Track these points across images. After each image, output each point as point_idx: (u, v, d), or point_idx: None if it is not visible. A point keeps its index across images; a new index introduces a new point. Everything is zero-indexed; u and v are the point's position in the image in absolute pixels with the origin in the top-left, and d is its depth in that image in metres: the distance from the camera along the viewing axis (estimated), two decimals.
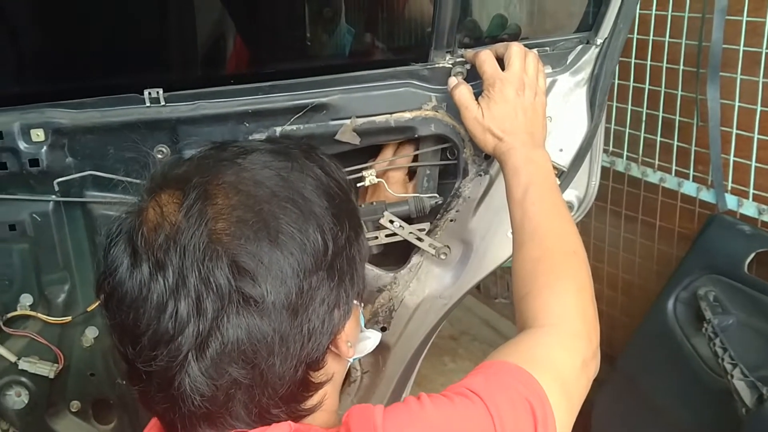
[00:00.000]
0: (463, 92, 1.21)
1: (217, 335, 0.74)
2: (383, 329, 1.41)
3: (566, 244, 1.06)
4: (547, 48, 1.30)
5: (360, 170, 1.31)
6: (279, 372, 0.77)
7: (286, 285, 0.76)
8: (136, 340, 0.77)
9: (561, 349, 0.93)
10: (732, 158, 1.91)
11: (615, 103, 2.19)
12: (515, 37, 1.37)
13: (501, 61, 1.19)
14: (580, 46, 1.30)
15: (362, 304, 0.94)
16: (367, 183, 1.31)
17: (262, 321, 0.75)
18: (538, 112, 1.18)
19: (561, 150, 1.32)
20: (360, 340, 0.95)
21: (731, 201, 1.94)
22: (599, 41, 1.28)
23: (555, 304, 0.98)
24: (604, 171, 2.10)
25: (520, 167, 1.12)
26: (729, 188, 1.94)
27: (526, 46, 1.21)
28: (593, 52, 1.29)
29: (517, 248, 1.08)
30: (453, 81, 1.24)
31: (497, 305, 3.26)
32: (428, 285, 1.40)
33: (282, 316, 0.76)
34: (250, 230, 0.76)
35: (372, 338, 0.98)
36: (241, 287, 0.74)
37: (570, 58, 1.30)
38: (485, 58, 1.19)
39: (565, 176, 1.34)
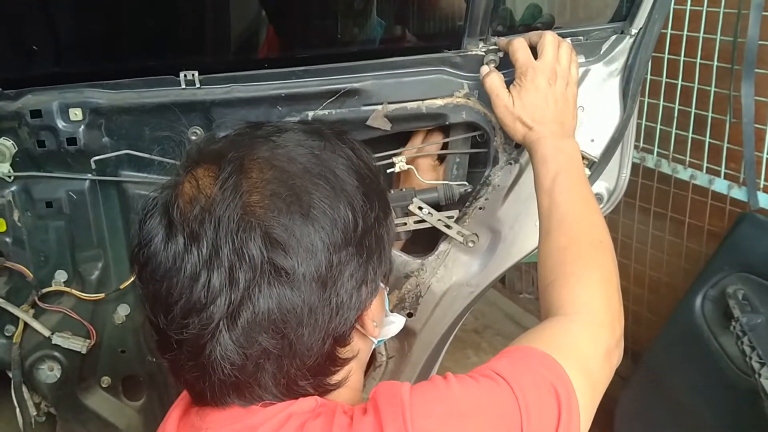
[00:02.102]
0: (494, 80, 1.21)
1: (248, 305, 0.75)
2: (410, 315, 1.42)
3: (593, 233, 1.06)
4: (581, 37, 1.29)
5: (390, 156, 1.32)
6: (307, 343, 0.79)
7: (316, 258, 0.77)
8: (168, 309, 0.78)
9: (586, 337, 0.93)
10: (765, 156, 1.89)
11: (647, 99, 2.17)
12: (549, 26, 1.37)
13: (534, 50, 1.19)
14: (614, 36, 1.29)
15: (387, 288, 0.95)
16: (397, 169, 1.32)
17: (293, 292, 0.76)
18: (569, 102, 1.18)
19: (592, 140, 1.31)
20: (385, 324, 0.97)
21: (763, 199, 1.91)
22: (634, 31, 1.27)
23: (580, 293, 0.99)
24: (634, 167, 2.08)
25: (549, 156, 1.12)
26: (761, 186, 1.91)
27: (559, 35, 1.21)
28: (627, 42, 1.28)
29: (543, 236, 1.08)
30: (485, 69, 1.25)
31: (522, 300, 3.25)
32: (455, 272, 1.41)
33: (311, 288, 0.77)
34: (283, 204, 0.77)
35: (396, 323, 1.00)
36: (273, 258, 0.75)
37: (604, 47, 1.29)
38: (519, 46, 1.19)
39: (595, 167, 1.33)
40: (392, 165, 1.32)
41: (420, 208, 1.35)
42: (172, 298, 0.78)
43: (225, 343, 0.76)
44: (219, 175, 0.79)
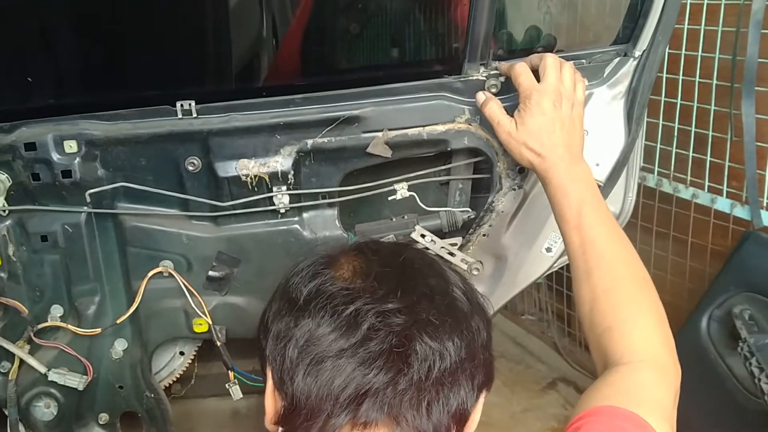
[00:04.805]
0: (493, 108, 1.19)
1: None
2: None
3: (634, 270, 1.06)
4: (584, 60, 1.28)
5: (391, 183, 1.30)
6: None
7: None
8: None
9: (659, 385, 0.93)
10: None
11: (646, 118, 2.16)
12: (550, 48, 1.35)
13: (536, 73, 1.18)
14: (617, 59, 1.28)
15: None
16: (398, 196, 1.30)
17: None
18: (576, 123, 1.16)
19: (597, 164, 1.29)
20: None
21: (766, 217, 1.90)
22: (637, 54, 1.26)
23: (639, 339, 0.98)
24: None
25: (567, 186, 1.10)
26: (764, 204, 1.90)
27: (562, 58, 1.19)
28: (631, 64, 1.27)
29: (583, 277, 1.06)
30: (481, 97, 1.23)
31: (524, 322, 3.22)
32: None
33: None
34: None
35: None
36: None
37: (607, 70, 1.28)
38: (521, 70, 1.17)
39: (601, 191, 1.31)
40: (394, 192, 1.30)
41: (423, 236, 1.33)
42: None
43: None
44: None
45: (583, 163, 1.15)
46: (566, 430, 0.86)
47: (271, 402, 0.88)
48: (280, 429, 0.86)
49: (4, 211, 1.32)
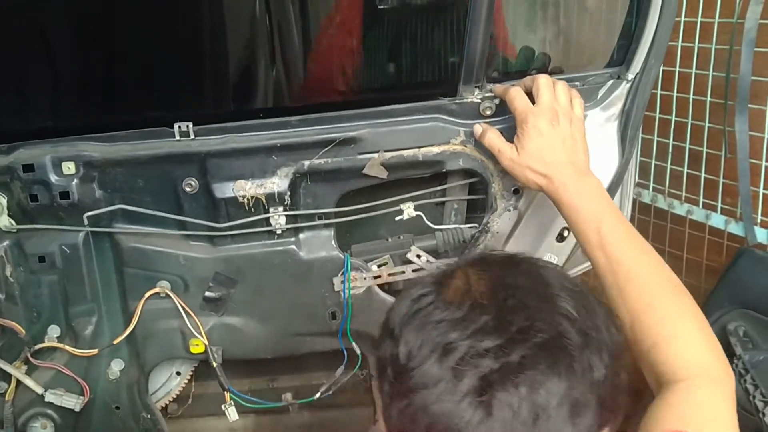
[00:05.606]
0: (492, 138, 1.20)
1: None
2: None
3: (665, 279, 1.05)
4: (578, 83, 1.29)
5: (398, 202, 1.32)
6: None
7: None
8: None
9: (719, 399, 0.92)
10: (761, 191, 1.88)
11: (641, 135, 2.17)
12: (544, 69, 1.36)
13: (531, 96, 1.19)
14: (610, 81, 1.29)
15: None
16: (405, 216, 1.31)
17: None
18: (577, 139, 1.16)
19: None
20: None
21: (761, 234, 1.90)
22: (630, 76, 1.27)
23: (687, 353, 0.98)
24: None
25: (578, 204, 1.10)
26: (758, 221, 1.90)
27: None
28: (624, 87, 1.28)
29: (615, 294, 1.05)
30: (478, 129, 1.24)
31: None
32: None
33: None
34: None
35: None
36: None
37: (600, 93, 1.29)
38: (515, 94, 1.18)
39: None
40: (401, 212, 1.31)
41: (418, 256, 1.34)
42: None
43: None
44: None
45: (591, 177, 1.14)
46: None
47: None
48: None
49: (14, 229, 1.33)
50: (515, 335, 0.74)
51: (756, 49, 1.82)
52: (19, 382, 1.40)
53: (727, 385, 0.95)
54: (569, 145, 1.14)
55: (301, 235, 1.36)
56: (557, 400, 0.73)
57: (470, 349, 0.73)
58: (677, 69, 2.03)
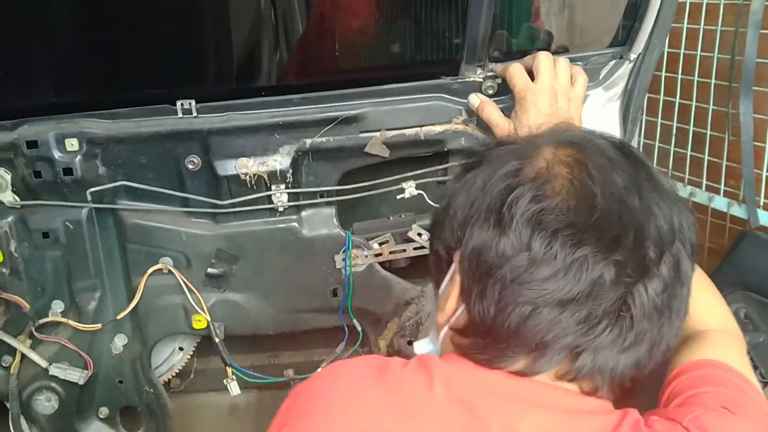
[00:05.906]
0: (491, 112, 1.20)
1: None
2: (410, 343, 1.40)
3: None
4: (580, 63, 1.29)
5: (399, 181, 1.32)
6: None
7: None
8: None
9: (738, 348, 0.97)
10: (765, 173, 1.87)
11: (645, 117, 2.16)
12: (547, 47, 1.36)
13: (532, 74, 1.18)
14: (613, 61, 1.29)
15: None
16: (407, 195, 1.31)
17: None
18: (575, 119, 1.16)
19: None
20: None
21: (764, 217, 1.90)
22: (633, 56, 1.27)
23: (708, 313, 1.02)
24: None
25: None
26: (761, 204, 1.90)
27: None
28: (627, 67, 1.27)
29: None
30: (476, 100, 1.24)
31: None
32: None
33: None
34: None
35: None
36: None
37: (603, 72, 1.29)
38: (515, 71, 1.18)
39: None
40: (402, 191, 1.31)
41: (419, 235, 1.34)
42: None
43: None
44: None
45: None
46: (667, 387, 0.90)
47: (452, 304, 0.81)
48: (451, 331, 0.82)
49: (18, 205, 1.34)
50: (648, 247, 0.75)
51: (762, 31, 1.81)
52: (23, 356, 1.42)
53: (743, 342, 1.00)
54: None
55: (303, 213, 1.37)
56: (679, 309, 0.79)
57: (609, 267, 0.73)
58: (682, 51, 2.02)
